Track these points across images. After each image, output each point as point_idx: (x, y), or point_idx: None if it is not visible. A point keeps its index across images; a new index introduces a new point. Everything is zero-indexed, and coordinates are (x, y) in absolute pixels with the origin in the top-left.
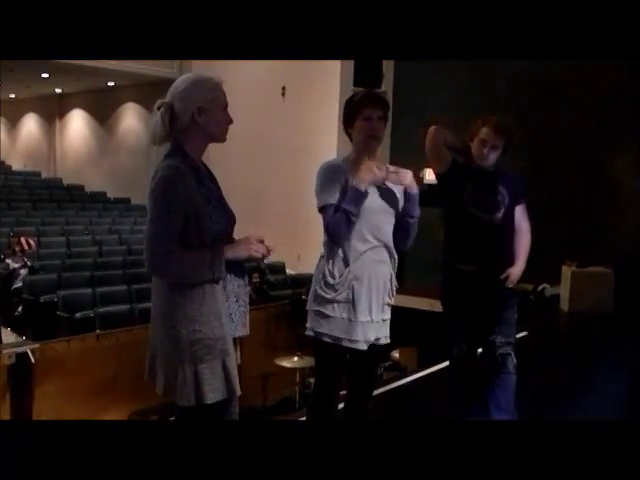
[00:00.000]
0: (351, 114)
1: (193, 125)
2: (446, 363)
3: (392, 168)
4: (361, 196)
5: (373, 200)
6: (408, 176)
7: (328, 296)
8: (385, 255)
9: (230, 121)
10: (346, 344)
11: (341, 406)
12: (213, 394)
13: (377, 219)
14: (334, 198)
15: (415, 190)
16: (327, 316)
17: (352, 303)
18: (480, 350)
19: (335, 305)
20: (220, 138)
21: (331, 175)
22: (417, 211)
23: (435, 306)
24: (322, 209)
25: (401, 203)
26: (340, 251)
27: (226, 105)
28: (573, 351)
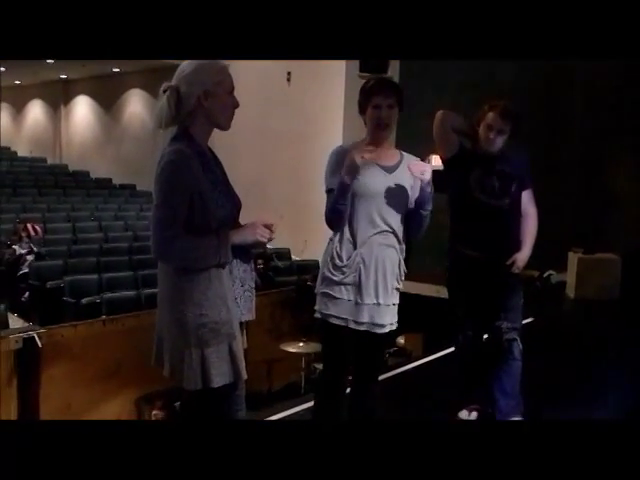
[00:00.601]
0: (363, 101)
1: (199, 109)
2: (452, 349)
3: (415, 159)
4: (343, 185)
5: (383, 185)
6: (428, 173)
7: (336, 278)
8: (393, 240)
9: (236, 105)
10: (352, 326)
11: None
12: (220, 378)
13: (386, 204)
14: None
15: (430, 188)
16: (334, 298)
17: (359, 286)
18: (486, 336)
19: (342, 287)
20: (226, 122)
21: (340, 160)
22: (430, 205)
23: (441, 292)
24: (327, 193)
25: (411, 191)
26: (348, 234)
27: (232, 89)
28: (579, 338)
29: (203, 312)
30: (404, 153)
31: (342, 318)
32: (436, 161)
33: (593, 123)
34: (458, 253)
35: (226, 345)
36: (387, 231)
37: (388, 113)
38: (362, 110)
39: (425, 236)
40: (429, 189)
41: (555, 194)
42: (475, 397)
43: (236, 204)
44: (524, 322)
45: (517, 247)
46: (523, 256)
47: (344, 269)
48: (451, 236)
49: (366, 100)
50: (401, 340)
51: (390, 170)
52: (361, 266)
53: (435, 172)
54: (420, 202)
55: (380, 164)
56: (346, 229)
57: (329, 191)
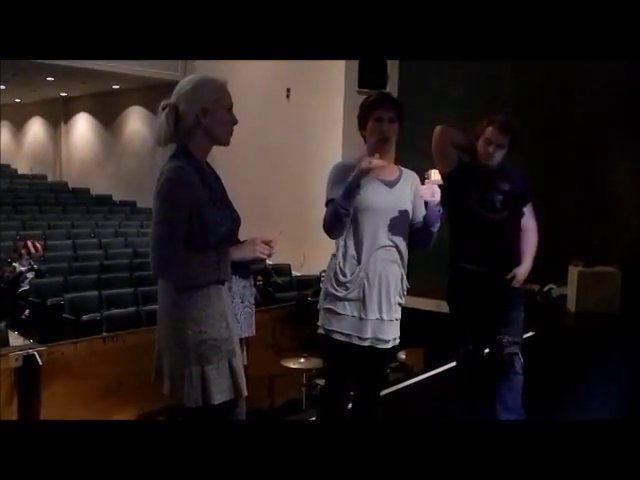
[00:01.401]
0: (364, 116)
1: (198, 126)
2: (453, 364)
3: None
4: (350, 189)
5: (385, 200)
6: (437, 194)
7: (339, 294)
8: (396, 255)
9: (235, 122)
10: (356, 341)
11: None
12: (220, 395)
13: (389, 219)
14: (338, 195)
15: (439, 208)
16: (338, 314)
17: (363, 301)
18: (487, 350)
19: (346, 303)
20: (224, 139)
21: (341, 174)
22: (439, 223)
23: (442, 306)
24: (327, 204)
25: (412, 206)
26: (352, 250)
27: (231, 106)
28: (580, 351)
29: (203, 329)
30: (403, 168)
31: (346, 334)
32: (435, 176)
33: (592, 135)
34: (458, 267)
35: (226, 362)
36: (390, 246)
37: (389, 127)
38: (362, 125)
39: (425, 250)
40: (438, 209)
41: (555, 208)
42: (476, 411)
43: (235, 221)
44: (525, 336)
45: (517, 261)
46: (523, 270)
47: (348, 285)
48: (451, 250)
49: (368, 114)
50: (402, 355)
51: (391, 185)
52: (365, 282)
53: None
54: (429, 221)
55: (381, 179)
56: (349, 244)
57: (329, 201)
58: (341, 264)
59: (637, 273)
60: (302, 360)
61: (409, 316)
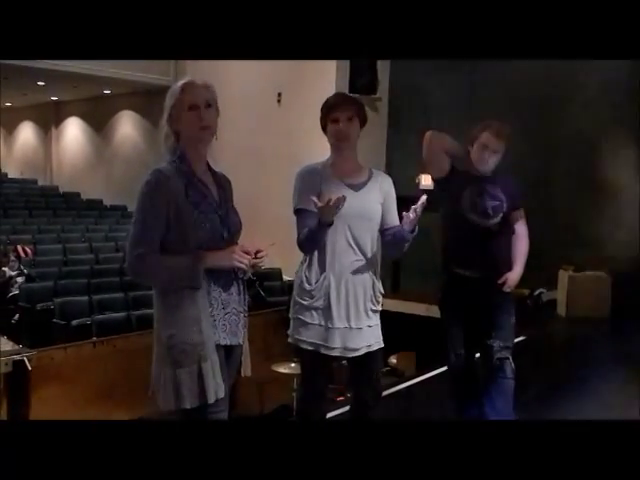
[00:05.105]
0: (321, 118)
1: (174, 133)
2: (444, 368)
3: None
4: (318, 232)
5: (351, 204)
6: (415, 228)
7: (305, 303)
8: (364, 260)
9: (199, 119)
10: (323, 351)
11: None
12: (192, 399)
13: (355, 224)
14: (307, 204)
15: (413, 235)
16: (305, 323)
17: (329, 309)
18: (478, 355)
19: (312, 312)
20: (194, 139)
21: (307, 179)
22: (409, 241)
23: (432, 311)
24: (296, 212)
25: (381, 208)
26: (317, 257)
27: (193, 105)
28: (570, 355)
29: (173, 332)
30: (374, 170)
31: (313, 343)
32: (426, 181)
33: (584, 139)
34: (450, 272)
35: (196, 366)
36: (356, 251)
37: (346, 126)
38: (323, 127)
39: (416, 255)
40: (412, 235)
41: (545, 213)
42: (467, 415)
43: (229, 227)
44: (516, 341)
45: (509, 266)
46: (515, 275)
47: (313, 292)
48: (443, 255)
49: (325, 116)
50: (393, 360)
51: (357, 188)
52: (330, 289)
53: (425, 192)
54: (401, 238)
55: (347, 182)
56: (314, 251)
57: (296, 211)
58: (307, 272)
59: (627, 278)
60: (293, 365)
61: (400, 320)
